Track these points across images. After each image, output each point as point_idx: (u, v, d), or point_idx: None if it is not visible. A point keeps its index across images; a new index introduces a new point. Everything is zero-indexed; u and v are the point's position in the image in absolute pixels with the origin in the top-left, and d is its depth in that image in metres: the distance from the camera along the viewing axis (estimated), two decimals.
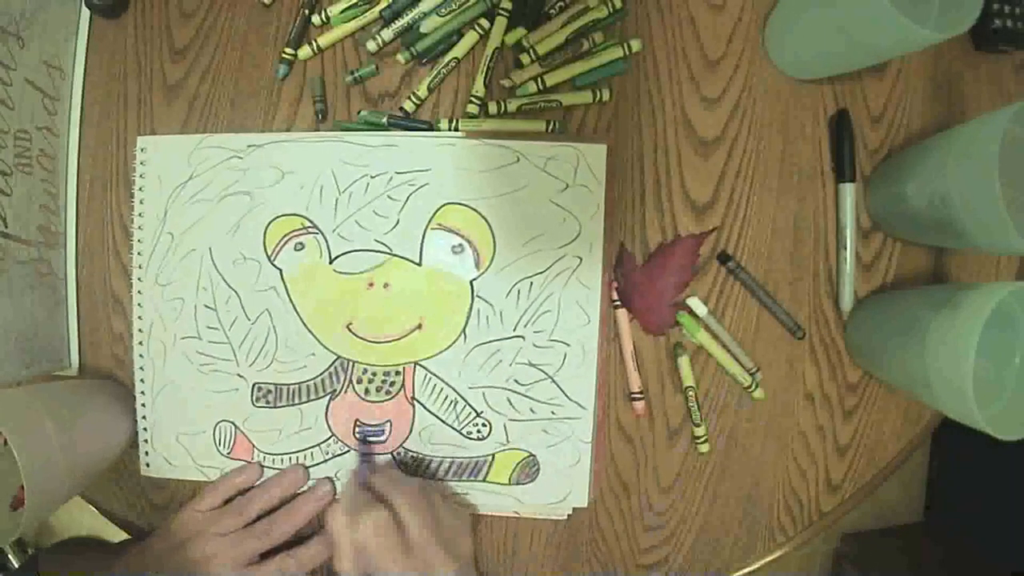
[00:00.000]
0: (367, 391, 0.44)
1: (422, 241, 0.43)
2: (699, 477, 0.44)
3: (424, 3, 0.43)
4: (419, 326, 0.43)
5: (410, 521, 0.37)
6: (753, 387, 0.43)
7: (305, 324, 0.44)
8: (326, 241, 0.44)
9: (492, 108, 0.43)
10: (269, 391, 0.45)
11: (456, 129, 0.43)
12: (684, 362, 0.43)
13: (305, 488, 0.45)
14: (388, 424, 0.44)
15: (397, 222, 0.43)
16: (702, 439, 0.43)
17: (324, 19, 0.44)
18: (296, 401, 0.45)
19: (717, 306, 0.44)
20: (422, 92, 0.44)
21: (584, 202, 0.42)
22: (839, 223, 0.43)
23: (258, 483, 0.45)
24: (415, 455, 0.44)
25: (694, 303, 0.42)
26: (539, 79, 0.43)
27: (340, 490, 0.44)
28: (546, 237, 0.42)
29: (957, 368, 0.31)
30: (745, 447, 0.44)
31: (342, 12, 0.44)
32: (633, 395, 0.43)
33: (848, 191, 0.42)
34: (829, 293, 0.44)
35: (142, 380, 0.46)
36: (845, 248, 0.42)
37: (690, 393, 0.43)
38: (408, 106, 0.44)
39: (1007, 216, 0.31)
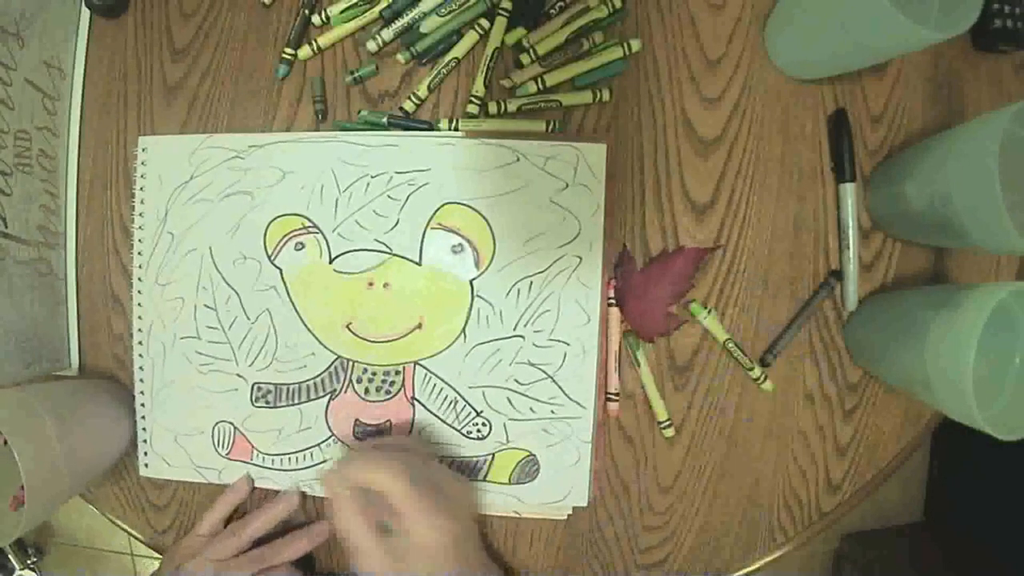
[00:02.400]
0: (367, 391, 0.44)
1: (422, 241, 0.43)
2: (699, 477, 0.44)
3: (424, 3, 0.43)
4: (419, 326, 0.43)
5: (433, 468, 0.38)
6: (763, 379, 0.43)
7: (305, 324, 0.44)
8: (326, 241, 0.44)
9: (492, 108, 0.43)
10: (269, 391, 0.45)
11: (456, 129, 0.43)
12: (712, 320, 0.43)
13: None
14: (388, 424, 0.44)
15: (397, 222, 0.43)
16: (762, 379, 0.43)
17: (324, 19, 0.44)
18: (296, 401, 0.45)
19: (717, 305, 0.44)
20: (422, 92, 0.44)
21: (584, 202, 0.42)
22: (841, 223, 0.43)
23: (256, 504, 0.45)
24: None
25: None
26: (539, 79, 0.43)
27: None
28: (546, 237, 0.42)
29: (957, 368, 0.31)
30: (745, 447, 0.44)
31: (342, 12, 0.44)
32: (609, 396, 0.43)
33: (849, 191, 0.42)
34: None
35: (142, 380, 0.46)
36: (848, 248, 0.42)
37: (729, 345, 0.43)
38: (408, 106, 0.44)
39: (1007, 216, 0.31)
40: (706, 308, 0.43)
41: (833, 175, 0.43)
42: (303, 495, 0.45)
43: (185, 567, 0.41)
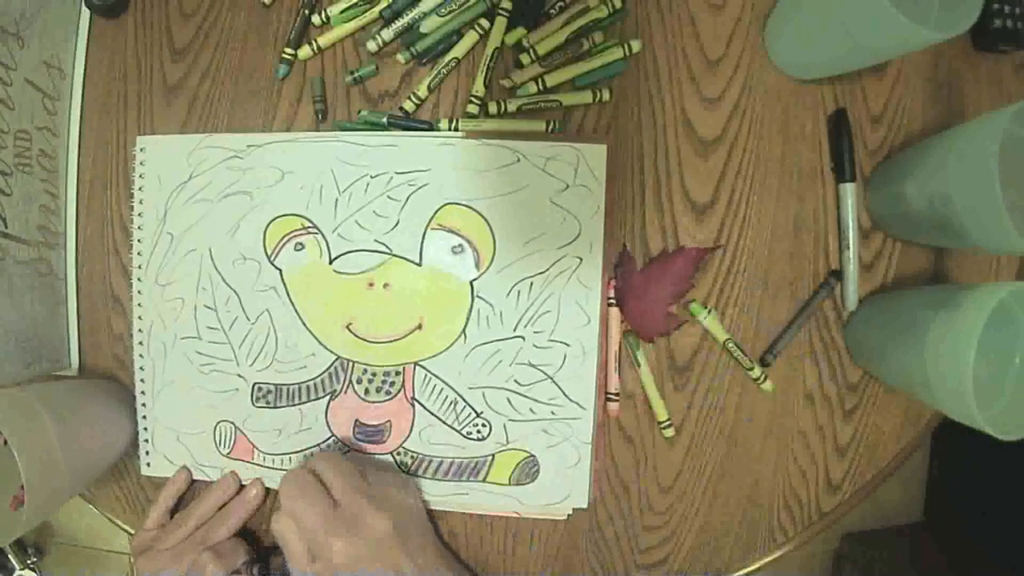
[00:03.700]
0: (367, 391, 0.44)
1: (422, 241, 0.43)
2: (699, 477, 0.44)
3: (424, 3, 0.43)
4: (419, 326, 0.43)
5: (331, 478, 0.38)
6: (762, 379, 0.43)
7: (305, 324, 0.44)
8: (326, 241, 0.44)
9: (492, 108, 0.43)
10: (269, 391, 0.45)
11: (456, 129, 0.43)
12: (712, 320, 0.43)
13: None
14: (388, 424, 0.44)
15: (397, 222, 0.43)
16: (761, 379, 0.43)
17: (324, 19, 0.44)
18: (296, 401, 0.45)
19: (717, 305, 0.44)
20: (422, 92, 0.44)
21: (584, 202, 0.42)
22: (841, 223, 0.43)
23: (199, 493, 0.46)
24: (415, 455, 0.44)
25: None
26: (539, 79, 0.43)
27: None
28: (546, 237, 0.42)
29: (957, 369, 0.31)
30: (745, 447, 0.44)
31: (342, 12, 0.44)
32: (609, 396, 0.43)
33: (849, 191, 0.42)
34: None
35: (142, 380, 0.46)
36: (848, 248, 0.42)
37: (729, 345, 0.43)
38: (408, 106, 0.44)
39: (1007, 216, 0.31)
40: (706, 308, 0.43)
41: (833, 175, 0.43)
42: (238, 478, 0.45)
43: (140, 561, 0.42)
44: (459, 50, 0.44)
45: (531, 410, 0.43)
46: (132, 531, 0.48)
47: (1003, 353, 0.36)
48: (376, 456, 0.44)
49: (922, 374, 0.35)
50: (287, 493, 0.38)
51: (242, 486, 0.45)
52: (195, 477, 0.46)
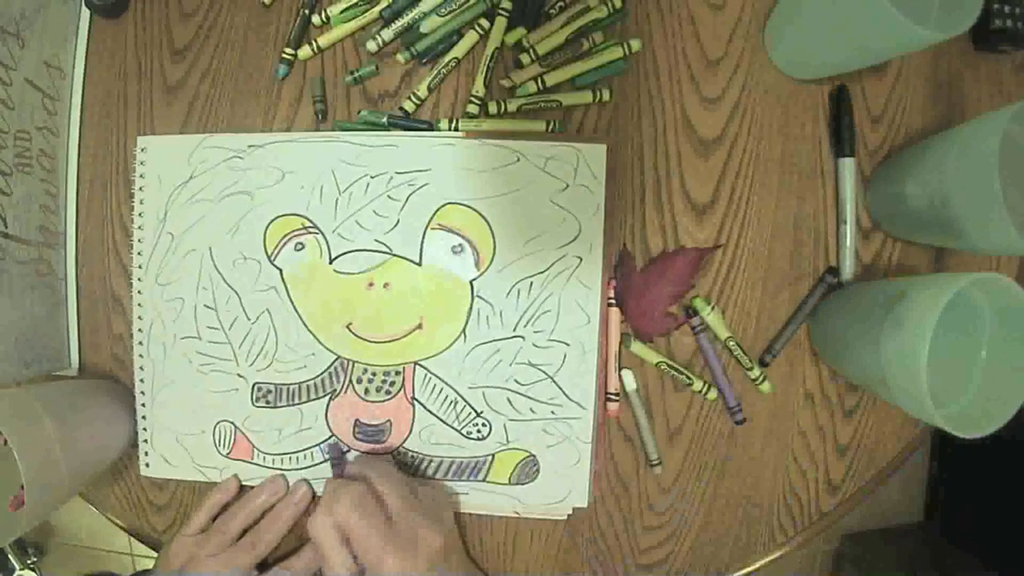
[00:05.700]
0: (367, 391, 0.44)
1: (422, 241, 0.43)
2: (699, 477, 0.44)
3: (424, 3, 0.43)
4: (419, 326, 0.43)
5: (387, 492, 0.38)
6: (761, 379, 0.43)
7: (305, 324, 0.44)
8: (326, 241, 0.44)
9: (492, 108, 0.43)
10: (269, 391, 0.45)
11: (456, 129, 0.43)
12: (715, 317, 0.43)
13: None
14: (388, 424, 0.44)
15: (397, 222, 0.43)
16: (760, 379, 0.43)
17: (324, 19, 0.44)
18: (296, 401, 0.45)
19: (718, 303, 0.44)
20: (422, 92, 0.44)
21: (584, 202, 0.42)
22: (839, 197, 0.43)
23: (241, 497, 0.45)
24: (415, 455, 0.44)
25: (626, 377, 0.43)
26: (539, 79, 0.43)
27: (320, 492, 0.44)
28: (546, 237, 0.42)
29: (910, 370, 0.31)
30: (745, 447, 0.44)
31: (342, 12, 0.44)
32: (609, 396, 0.43)
33: (847, 166, 0.42)
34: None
35: (142, 380, 0.46)
36: (845, 223, 0.42)
37: (731, 343, 0.43)
38: (408, 106, 0.44)
39: (1007, 216, 0.31)
40: (709, 304, 0.43)
41: (834, 175, 0.43)
42: (286, 479, 0.45)
43: (184, 572, 0.41)
44: (459, 50, 0.44)
45: (531, 410, 0.43)
46: (132, 531, 0.48)
47: (968, 345, 0.35)
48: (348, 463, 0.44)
49: (879, 373, 0.34)
50: (340, 502, 0.36)
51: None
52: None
